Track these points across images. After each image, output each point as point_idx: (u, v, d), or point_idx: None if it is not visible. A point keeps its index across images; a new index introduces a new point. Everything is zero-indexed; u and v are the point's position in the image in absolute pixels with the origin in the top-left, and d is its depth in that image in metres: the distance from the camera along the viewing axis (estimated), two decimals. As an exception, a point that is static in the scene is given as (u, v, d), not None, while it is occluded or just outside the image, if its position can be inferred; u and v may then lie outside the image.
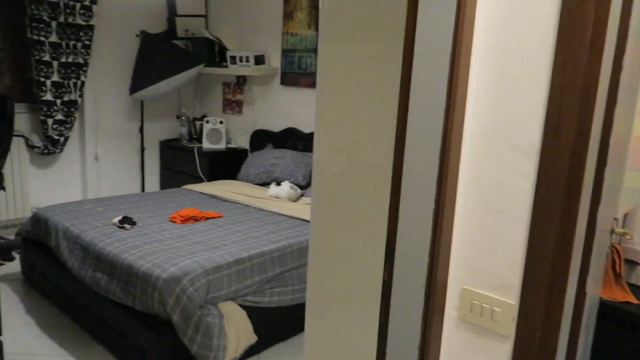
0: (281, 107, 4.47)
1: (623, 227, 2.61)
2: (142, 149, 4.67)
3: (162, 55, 4.51)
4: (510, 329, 1.04)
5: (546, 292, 0.99)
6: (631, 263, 2.72)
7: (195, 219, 2.84)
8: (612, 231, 1.68)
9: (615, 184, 1.54)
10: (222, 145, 4.66)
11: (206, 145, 4.62)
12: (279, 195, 3.47)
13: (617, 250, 2.31)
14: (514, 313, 1.04)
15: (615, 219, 2.50)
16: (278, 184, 3.65)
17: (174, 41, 4.76)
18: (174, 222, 2.78)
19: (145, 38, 4.53)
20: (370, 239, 1.17)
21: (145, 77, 4.44)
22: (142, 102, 4.69)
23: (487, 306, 1.07)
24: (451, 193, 1.06)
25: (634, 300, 2.21)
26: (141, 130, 4.66)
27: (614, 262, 2.29)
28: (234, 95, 4.94)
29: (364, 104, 1.23)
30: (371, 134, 1.20)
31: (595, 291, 1.50)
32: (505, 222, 1.05)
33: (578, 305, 1.07)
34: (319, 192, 1.31)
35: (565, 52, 0.95)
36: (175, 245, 2.39)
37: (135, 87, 4.46)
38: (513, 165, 1.04)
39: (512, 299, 1.05)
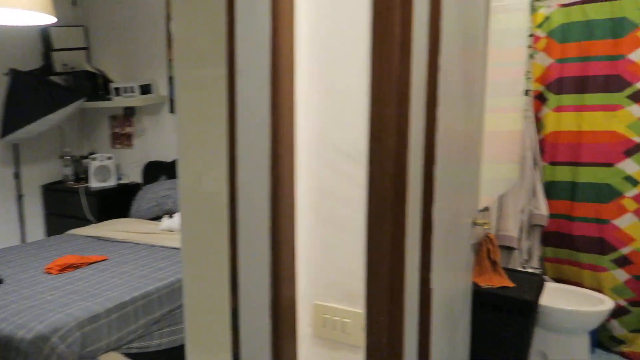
0: (173, 136, 4.32)
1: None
2: (20, 196, 4.28)
3: (35, 92, 4.19)
4: (361, 338, 1.02)
5: (388, 297, 0.98)
6: (508, 249, 2.90)
7: (75, 267, 2.62)
8: (475, 223, 1.75)
9: (469, 179, 1.61)
10: (112, 182, 4.40)
11: (94, 184, 4.33)
12: (172, 228, 3.32)
13: (490, 239, 2.44)
14: (363, 322, 1.02)
15: (486, 209, 2.66)
16: (171, 216, 3.50)
17: (52, 77, 4.45)
18: (50, 273, 2.54)
19: (15, 76, 4.20)
20: (218, 268, 1.11)
21: (18, 118, 4.10)
22: (16, 145, 4.32)
23: (338, 319, 1.05)
24: (287, 209, 1.03)
25: (510, 284, 2.33)
26: (17, 176, 4.28)
27: (489, 250, 2.41)
28: (123, 129, 4.70)
29: (205, 129, 1.18)
30: (210, 159, 1.15)
31: (461, 283, 1.54)
32: (344, 231, 1.04)
33: (424, 304, 1.08)
34: (183, 224, 1.24)
35: (379, 57, 0.97)
36: (46, 299, 2.17)
37: (6, 130, 4.10)
38: (346, 172, 1.03)
39: (360, 307, 1.03)
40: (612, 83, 2.81)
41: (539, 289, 2.48)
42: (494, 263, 2.47)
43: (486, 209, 2.55)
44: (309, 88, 1.05)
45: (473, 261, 2.46)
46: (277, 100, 0.97)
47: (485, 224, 1.73)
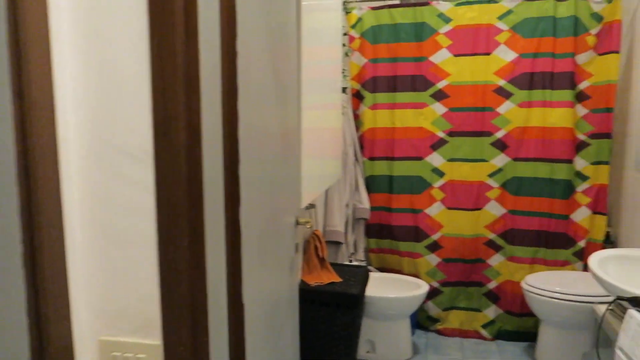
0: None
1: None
2: None
3: None
4: (158, 376, 0.85)
5: (189, 322, 0.82)
6: (336, 244, 2.97)
7: None
8: (298, 222, 1.69)
9: (288, 177, 1.54)
10: None
11: None
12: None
13: (318, 237, 2.45)
14: (161, 356, 0.85)
15: (312, 206, 2.68)
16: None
17: None
18: None
19: None
20: None
21: None
22: None
23: (131, 355, 0.86)
24: (51, 222, 0.81)
25: (337, 279, 2.35)
26: None
27: (316, 248, 2.41)
28: None
29: None
30: None
31: (285, 286, 1.46)
32: (132, 247, 0.85)
33: (236, 322, 0.95)
34: None
35: (159, 39, 0.80)
36: None
37: None
38: (129, 176, 0.85)
39: (157, 339, 0.86)
40: (418, 83, 3.04)
41: (364, 281, 2.56)
42: (322, 260, 2.47)
43: (312, 206, 2.54)
44: (77, 75, 0.84)
45: (301, 260, 2.43)
46: (23, 86, 0.75)
47: (307, 222, 1.68)
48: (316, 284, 2.30)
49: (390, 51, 3.07)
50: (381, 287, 2.80)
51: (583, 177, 2.89)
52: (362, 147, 3.19)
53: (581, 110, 2.86)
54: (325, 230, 2.93)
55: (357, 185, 3.13)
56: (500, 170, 2.98)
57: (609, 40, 2.76)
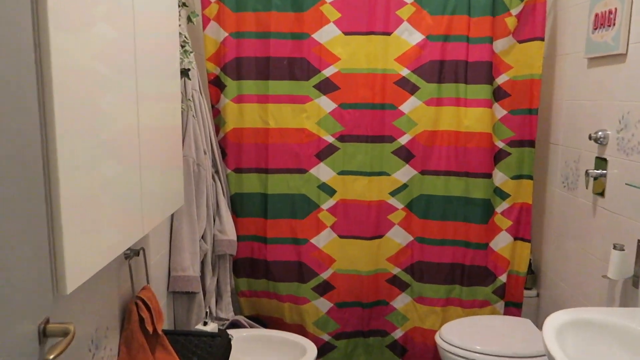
0: None
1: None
2: None
3: None
4: None
5: None
6: (189, 296, 2.07)
7: None
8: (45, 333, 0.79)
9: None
10: None
11: None
12: None
13: (144, 300, 1.53)
14: None
15: (133, 253, 1.74)
16: None
17: None
18: None
19: None
20: None
21: None
22: None
23: None
24: None
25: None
26: None
27: (142, 320, 1.49)
28: None
29: None
30: None
31: None
32: None
33: None
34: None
35: None
36: None
37: None
38: None
39: None
40: (298, 68, 2.25)
41: (222, 357, 1.70)
42: (153, 336, 1.56)
43: (134, 253, 1.61)
44: None
45: (117, 342, 1.48)
46: None
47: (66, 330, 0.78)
48: None
49: (260, 22, 2.23)
50: (251, 354, 1.96)
51: (503, 195, 2.31)
52: (224, 154, 2.32)
53: (499, 111, 2.29)
54: (173, 277, 2.01)
55: (218, 208, 2.25)
56: (405, 186, 2.30)
57: (532, 23, 2.21)
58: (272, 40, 2.23)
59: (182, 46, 1.79)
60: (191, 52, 1.88)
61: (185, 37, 1.89)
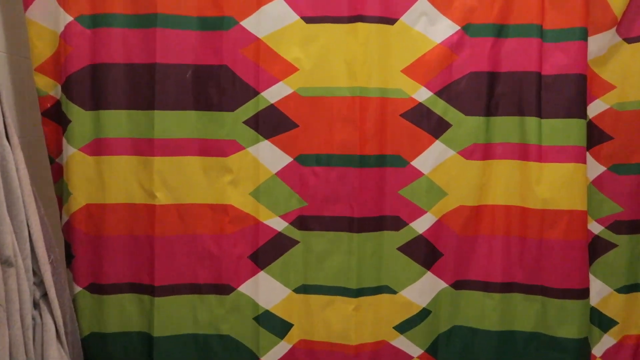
0: None
1: None
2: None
3: None
4: None
5: None
6: None
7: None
8: None
9: None
10: None
11: None
12: None
13: None
14: None
15: None
16: None
17: None
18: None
19: None
20: None
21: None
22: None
23: None
24: None
25: None
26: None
27: None
28: None
29: None
30: None
31: None
32: None
33: None
34: None
35: None
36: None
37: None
38: None
39: None
40: (215, 87, 1.15)
41: None
42: None
43: None
44: None
45: None
46: None
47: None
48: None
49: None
50: None
51: (604, 323, 1.25)
52: (69, 256, 1.17)
53: (593, 166, 1.24)
54: None
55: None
56: (425, 313, 1.20)
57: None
58: (162, 31, 1.12)
59: None
60: None
61: None
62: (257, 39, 1.14)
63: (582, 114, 1.17)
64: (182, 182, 1.14)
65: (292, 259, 1.17)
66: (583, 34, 1.15)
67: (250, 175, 1.15)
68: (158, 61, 1.12)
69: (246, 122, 1.15)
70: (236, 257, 1.15)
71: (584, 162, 1.17)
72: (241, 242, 1.15)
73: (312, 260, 1.17)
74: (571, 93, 1.16)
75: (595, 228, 1.25)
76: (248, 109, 1.15)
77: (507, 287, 1.19)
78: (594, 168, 1.25)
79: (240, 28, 1.13)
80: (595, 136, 1.24)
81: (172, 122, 1.13)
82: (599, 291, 1.26)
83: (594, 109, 1.24)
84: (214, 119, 1.14)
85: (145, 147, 1.13)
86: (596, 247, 1.25)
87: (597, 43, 1.21)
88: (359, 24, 1.14)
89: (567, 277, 1.17)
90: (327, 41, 1.15)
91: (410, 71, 1.17)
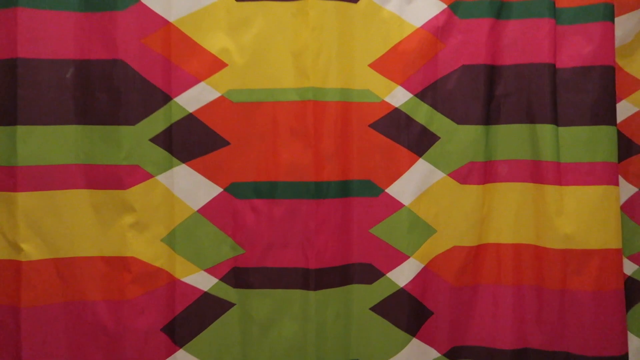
0: None
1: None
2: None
3: None
4: None
5: None
6: None
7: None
8: None
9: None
10: None
11: None
12: None
13: None
14: None
15: None
16: None
17: None
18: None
19: None
20: None
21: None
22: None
23: None
24: None
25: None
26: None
27: None
28: None
29: None
30: None
31: None
32: None
33: None
34: None
35: None
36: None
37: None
38: None
39: None
40: (106, 90, 0.82)
41: None
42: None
43: None
44: None
45: None
46: None
47: None
48: None
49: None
50: None
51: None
52: None
53: (624, 187, 0.94)
54: None
55: None
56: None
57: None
58: (27, 11, 0.78)
59: None
60: None
61: None
62: (167, 22, 0.81)
63: (612, 120, 0.88)
64: (61, 227, 0.80)
65: (224, 330, 0.84)
66: (609, 13, 0.87)
67: (161, 215, 0.82)
68: (21, 55, 0.78)
69: (153, 140, 0.82)
70: (143, 332, 0.81)
71: (617, 183, 0.88)
72: (150, 310, 0.81)
73: (253, 330, 0.84)
74: (596, 92, 0.87)
75: (628, 268, 0.97)
76: (156, 122, 0.82)
77: (520, 356, 0.88)
78: (622, 189, 0.96)
79: (142, 7, 0.80)
80: (621, 148, 0.96)
81: (43, 142, 0.79)
82: (636, 350, 0.97)
83: (619, 112, 0.96)
84: (106, 136, 0.80)
85: (4, 178, 0.79)
86: (630, 293, 0.97)
87: (621, 27, 0.93)
88: (310, 2, 0.83)
89: (600, 341, 0.86)
90: (266, 26, 0.83)
91: (381, 66, 0.86)
